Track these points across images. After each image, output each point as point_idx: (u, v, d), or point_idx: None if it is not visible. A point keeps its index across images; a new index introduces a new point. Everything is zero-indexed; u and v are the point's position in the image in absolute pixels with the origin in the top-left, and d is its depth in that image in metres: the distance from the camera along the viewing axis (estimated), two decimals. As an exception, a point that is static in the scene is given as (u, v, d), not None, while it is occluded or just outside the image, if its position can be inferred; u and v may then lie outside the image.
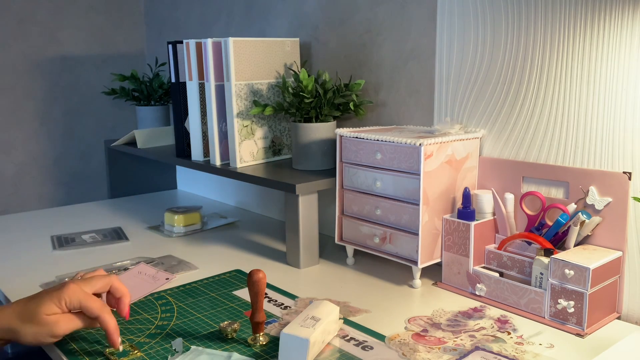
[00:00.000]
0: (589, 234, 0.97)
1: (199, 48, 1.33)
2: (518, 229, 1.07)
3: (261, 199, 1.67)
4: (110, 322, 0.84)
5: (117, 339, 0.85)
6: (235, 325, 0.91)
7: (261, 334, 0.88)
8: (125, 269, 1.18)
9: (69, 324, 0.84)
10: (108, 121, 2.10)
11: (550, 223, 1.00)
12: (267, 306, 1.00)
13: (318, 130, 1.25)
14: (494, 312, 0.98)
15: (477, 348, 0.85)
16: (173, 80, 1.42)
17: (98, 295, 0.88)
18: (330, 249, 1.31)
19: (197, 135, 1.39)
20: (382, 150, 1.09)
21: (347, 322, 0.95)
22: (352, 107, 1.25)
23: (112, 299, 0.90)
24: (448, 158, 1.07)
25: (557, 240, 0.99)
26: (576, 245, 0.98)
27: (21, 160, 1.94)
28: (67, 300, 0.83)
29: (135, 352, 0.86)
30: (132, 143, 1.76)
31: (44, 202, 2.00)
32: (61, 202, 2.02)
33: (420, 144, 1.02)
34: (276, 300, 1.04)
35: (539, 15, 1.01)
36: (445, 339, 0.88)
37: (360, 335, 0.90)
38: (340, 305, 1.01)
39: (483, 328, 0.92)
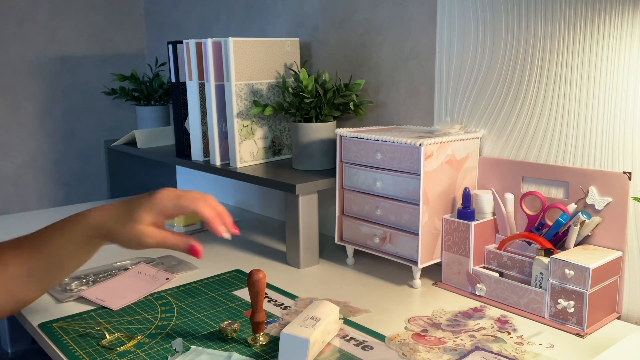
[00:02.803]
0: (589, 234, 0.97)
1: (199, 48, 1.33)
2: (518, 229, 1.07)
3: (261, 199, 1.67)
4: (206, 210, 0.81)
5: (219, 225, 0.81)
6: (235, 325, 0.91)
7: (261, 333, 0.88)
8: (125, 269, 1.18)
9: (156, 235, 0.81)
10: (108, 121, 2.10)
11: (550, 223, 1.00)
12: (267, 306, 1.00)
13: (318, 130, 1.25)
14: (494, 312, 0.98)
15: (477, 348, 0.85)
16: (173, 80, 1.42)
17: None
18: (330, 249, 1.31)
19: (197, 135, 1.39)
20: (382, 150, 1.09)
21: (347, 322, 0.95)
22: (352, 107, 1.25)
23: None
24: (448, 158, 1.07)
25: (557, 240, 0.99)
26: (576, 245, 0.98)
27: (21, 160, 1.94)
28: (160, 206, 0.80)
29: (130, 342, 0.87)
30: (132, 143, 1.76)
31: (44, 202, 2.00)
32: (61, 202, 2.02)
33: (420, 144, 1.02)
34: (276, 300, 1.04)
35: (539, 15, 1.01)
36: (445, 339, 0.88)
37: (360, 335, 0.90)
38: (340, 305, 1.01)
39: (483, 328, 0.92)
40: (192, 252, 0.83)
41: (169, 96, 1.88)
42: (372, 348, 0.86)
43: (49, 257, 0.82)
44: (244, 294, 1.07)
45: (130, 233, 0.81)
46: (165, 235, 0.82)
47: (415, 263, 1.06)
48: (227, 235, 0.82)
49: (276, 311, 0.99)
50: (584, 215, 0.96)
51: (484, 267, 1.05)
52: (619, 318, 0.95)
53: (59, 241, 0.82)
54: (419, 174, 1.03)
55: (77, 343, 0.89)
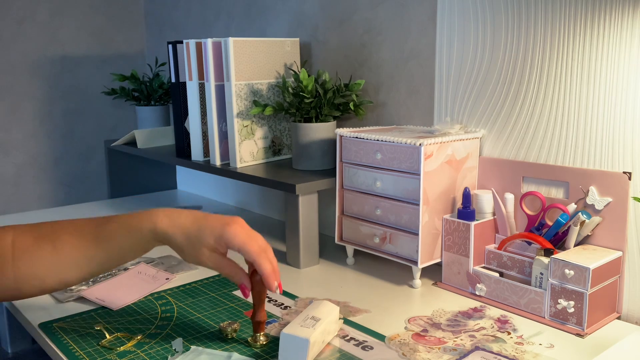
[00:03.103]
0: (589, 234, 0.97)
1: (199, 48, 1.33)
2: (518, 229, 1.07)
3: (261, 199, 1.67)
4: (266, 266, 0.82)
5: (274, 282, 0.83)
6: (235, 325, 0.91)
7: (262, 333, 0.88)
8: (125, 269, 1.18)
9: (216, 263, 0.84)
10: (108, 121, 2.10)
11: (550, 223, 1.00)
12: (267, 306, 1.00)
13: (318, 130, 1.25)
14: (494, 312, 0.98)
15: (477, 348, 0.85)
16: (173, 80, 1.42)
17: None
18: (330, 249, 1.31)
19: (197, 135, 1.39)
20: (382, 150, 1.09)
21: (347, 322, 0.95)
22: (352, 107, 1.25)
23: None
24: (448, 158, 1.07)
25: (557, 240, 0.99)
26: (576, 245, 0.98)
27: (21, 160, 1.94)
28: (226, 239, 0.82)
29: (130, 342, 0.87)
30: (132, 143, 1.76)
31: (44, 202, 2.00)
32: (61, 202, 2.02)
33: (420, 144, 1.02)
34: (276, 300, 1.04)
35: (539, 15, 1.01)
36: (445, 339, 0.88)
37: (360, 335, 0.90)
38: (340, 305, 1.01)
39: (483, 328, 0.92)
40: (242, 290, 0.86)
41: (169, 96, 1.88)
42: (372, 348, 0.86)
43: (110, 251, 0.84)
44: (244, 294, 1.07)
45: (193, 253, 0.83)
46: (223, 265, 0.84)
47: (415, 263, 1.06)
48: (277, 292, 0.85)
49: (276, 311, 0.99)
50: (584, 215, 0.96)
51: (484, 267, 1.05)
52: (619, 318, 0.95)
53: (123, 239, 0.84)
54: (419, 174, 1.03)
55: (77, 343, 0.89)
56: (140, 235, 0.84)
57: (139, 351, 0.86)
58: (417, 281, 1.09)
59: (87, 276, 0.85)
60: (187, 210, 0.87)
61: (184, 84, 1.40)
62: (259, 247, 0.83)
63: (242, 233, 0.83)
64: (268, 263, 0.83)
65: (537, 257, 0.96)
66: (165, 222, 0.83)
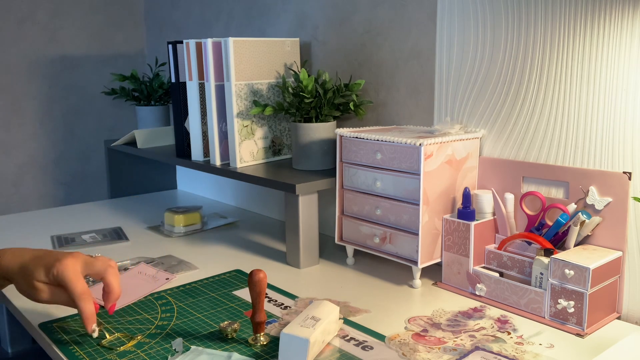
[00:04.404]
0: (589, 234, 0.97)
1: (199, 48, 1.33)
2: (518, 229, 1.07)
3: (261, 199, 1.67)
4: (85, 309, 0.84)
5: (90, 325, 0.85)
6: (235, 325, 0.91)
7: (262, 333, 0.88)
8: (125, 269, 1.18)
9: (49, 296, 0.86)
10: (108, 121, 2.10)
11: (550, 223, 1.00)
12: (267, 306, 1.00)
13: (318, 130, 1.25)
14: (494, 312, 0.98)
15: (477, 348, 0.85)
16: (173, 80, 1.42)
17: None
18: (330, 249, 1.31)
19: (197, 135, 1.40)
20: (382, 150, 1.09)
21: (347, 322, 0.95)
22: (352, 107, 1.25)
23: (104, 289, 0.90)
24: (448, 158, 1.07)
25: (557, 240, 0.99)
26: (576, 245, 0.98)
27: (21, 160, 1.94)
28: (54, 273, 0.84)
29: (130, 342, 0.87)
30: (132, 143, 1.76)
31: (44, 202, 2.00)
32: (61, 202, 2.02)
33: (420, 144, 1.02)
34: (276, 300, 1.04)
35: (539, 15, 1.01)
36: (445, 339, 0.88)
37: (360, 335, 0.90)
38: (340, 305, 1.01)
39: (483, 328, 0.92)
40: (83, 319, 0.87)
41: (169, 96, 1.88)
42: (372, 348, 0.86)
43: None
44: (244, 294, 1.07)
45: (25, 285, 0.86)
46: (57, 295, 0.86)
47: (415, 263, 1.06)
48: (95, 334, 0.86)
49: (276, 311, 0.99)
50: (584, 215, 0.96)
51: (484, 267, 1.05)
52: (619, 318, 0.95)
53: None
54: (419, 174, 1.03)
55: (77, 343, 0.89)
56: None
57: (139, 351, 0.86)
58: (417, 281, 1.09)
59: None
60: (35, 249, 0.90)
61: (184, 84, 1.40)
62: (81, 288, 0.84)
63: (70, 270, 0.84)
64: (86, 306, 0.84)
65: (537, 257, 0.96)
66: (8, 258, 0.88)
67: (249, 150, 1.34)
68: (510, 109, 1.07)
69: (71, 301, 0.85)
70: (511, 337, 0.89)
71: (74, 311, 1.00)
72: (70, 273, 0.84)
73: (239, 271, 1.19)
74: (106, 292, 0.89)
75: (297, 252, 1.20)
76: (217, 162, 1.35)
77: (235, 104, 1.29)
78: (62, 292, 0.86)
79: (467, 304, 1.01)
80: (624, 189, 0.93)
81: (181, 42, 1.37)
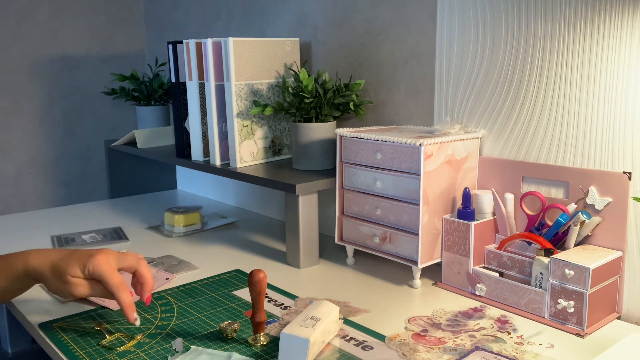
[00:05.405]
0: (589, 234, 0.97)
1: (199, 48, 1.33)
2: (518, 229, 1.07)
3: (261, 199, 1.67)
4: (125, 299, 0.87)
5: (132, 314, 0.88)
6: (235, 325, 0.91)
7: (262, 333, 0.88)
8: (125, 269, 1.18)
9: (87, 289, 0.89)
10: (108, 121, 2.10)
11: (550, 223, 1.00)
12: (267, 306, 1.00)
13: (318, 130, 1.25)
14: (494, 312, 0.98)
15: (477, 348, 0.85)
16: (173, 80, 1.42)
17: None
18: (330, 249, 1.31)
19: (197, 135, 1.39)
20: (382, 150, 1.09)
21: (347, 322, 0.95)
22: (352, 107, 1.25)
23: (136, 282, 0.93)
24: (448, 158, 1.07)
25: (557, 240, 0.99)
26: (576, 245, 0.98)
27: (21, 160, 1.94)
28: (90, 269, 0.87)
29: (130, 342, 0.88)
30: (132, 143, 1.76)
31: (44, 202, 2.00)
32: (61, 202, 2.02)
33: (420, 144, 1.02)
34: (276, 300, 1.04)
35: (539, 15, 1.01)
36: (445, 339, 0.88)
37: (360, 335, 0.90)
38: (340, 305, 1.01)
39: (483, 328, 0.92)
40: (121, 307, 0.89)
41: (169, 96, 1.88)
42: (372, 348, 0.86)
43: None
44: (244, 294, 1.07)
45: (58, 282, 0.88)
46: (92, 286, 0.89)
47: (415, 263, 1.06)
48: (137, 323, 0.89)
49: (276, 311, 0.99)
50: (584, 215, 0.96)
51: (484, 267, 1.05)
52: (619, 318, 0.95)
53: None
54: (419, 174, 1.03)
55: (77, 343, 0.89)
56: (14, 276, 0.89)
57: (139, 351, 0.87)
58: (417, 281, 1.09)
59: None
60: (58, 249, 0.93)
61: (184, 84, 1.40)
62: (118, 280, 0.88)
63: (105, 265, 0.88)
64: (126, 296, 0.87)
65: (537, 257, 0.96)
66: (35, 259, 0.89)
67: (249, 150, 1.34)
68: (510, 109, 1.07)
69: (108, 293, 0.89)
70: (511, 337, 0.89)
71: (74, 311, 1.01)
72: (106, 267, 0.87)
73: (239, 271, 1.19)
74: (141, 284, 0.92)
75: (297, 252, 1.20)
76: (217, 162, 1.35)
77: (235, 104, 1.29)
78: (98, 285, 0.89)
79: (467, 304, 1.01)
80: (624, 189, 0.93)
81: (181, 42, 1.37)
